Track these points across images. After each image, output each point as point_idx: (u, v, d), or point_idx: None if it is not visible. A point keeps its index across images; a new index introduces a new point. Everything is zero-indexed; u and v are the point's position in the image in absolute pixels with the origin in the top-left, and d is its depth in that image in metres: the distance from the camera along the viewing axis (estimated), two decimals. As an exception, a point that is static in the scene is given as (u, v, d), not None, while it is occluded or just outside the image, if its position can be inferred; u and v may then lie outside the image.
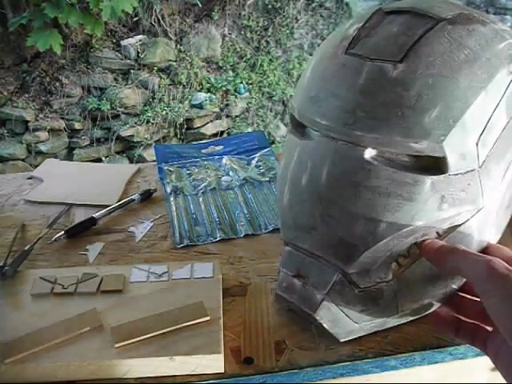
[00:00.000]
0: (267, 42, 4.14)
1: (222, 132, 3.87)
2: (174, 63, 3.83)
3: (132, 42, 3.75)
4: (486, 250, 0.44)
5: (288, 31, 4.16)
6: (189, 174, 0.78)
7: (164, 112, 3.71)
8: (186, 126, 3.77)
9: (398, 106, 0.38)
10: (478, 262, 0.38)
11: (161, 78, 3.78)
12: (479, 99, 0.39)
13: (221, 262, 0.55)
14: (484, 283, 0.37)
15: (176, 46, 3.88)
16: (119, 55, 3.74)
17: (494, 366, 0.40)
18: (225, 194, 0.73)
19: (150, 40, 3.82)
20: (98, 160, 3.58)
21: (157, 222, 0.67)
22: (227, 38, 4.03)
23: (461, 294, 0.44)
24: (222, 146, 0.86)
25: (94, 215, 0.65)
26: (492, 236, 0.45)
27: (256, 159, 0.81)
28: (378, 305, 0.44)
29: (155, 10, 3.78)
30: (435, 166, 0.40)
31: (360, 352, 0.45)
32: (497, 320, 0.36)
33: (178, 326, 0.45)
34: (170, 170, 0.78)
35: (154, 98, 3.76)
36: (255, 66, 4.07)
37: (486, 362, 0.46)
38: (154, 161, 0.83)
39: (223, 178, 0.76)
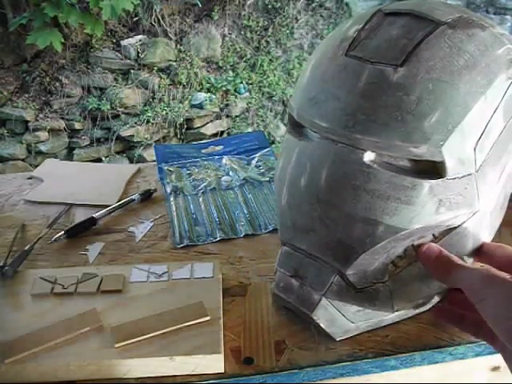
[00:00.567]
0: (267, 42, 4.14)
1: (222, 132, 3.87)
2: (174, 63, 3.83)
3: (132, 41, 3.75)
4: (486, 248, 0.45)
5: (288, 31, 4.16)
6: (189, 173, 0.78)
7: (164, 112, 3.71)
8: (186, 126, 3.77)
9: (398, 110, 0.39)
10: (473, 272, 0.39)
11: (161, 77, 3.78)
12: (478, 105, 0.39)
13: (221, 262, 0.55)
14: (479, 290, 0.38)
15: (176, 45, 3.88)
16: (119, 55, 3.74)
17: (495, 365, 0.40)
18: (225, 194, 0.73)
19: (150, 40, 3.82)
20: (98, 160, 3.58)
21: (157, 222, 0.67)
22: (227, 38, 4.03)
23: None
24: (221, 146, 0.86)
25: (94, 215, 0.65)
26: (486, 236, 0.46)
27: (256, 159, 0.81)
28: (374, 305, 0.44)
29: (155, 10, 3.78)
30: (433, 170, 0.40)
31: (360, 352, 0.45)
32: (493, 324, 0.36)
33: (178, 326, 0.45)
34: (170, 170, 0.78)
35: (154, 98, 3.76)
36: (255, 66, 4.07)
37: (486, 362, 0.46)
38: (153, 161, 0.83)
39: (223, 178, 0.76)
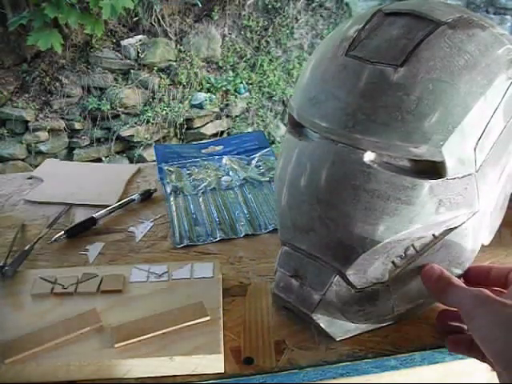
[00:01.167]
0: (267, 42, 4.13)
1: (222, 132, 3.87)
2: (174, 63, 3.83)
3: (132, 41, 3.75)
4: (477, 272, 0.46)
5: (288, 31, 4.16)
6: (189, 174, 0.78)
7: (164, 112, 3.71)
8: (186, 126, 3.77)
9: (398, 110, 0.39)
10: (466, 292, 0.39)
11: (161, 77, 3.78)
12: (478, 105, 0.39)
13: (221, 262, 0.55)
14: (470, 310, 0.38)
15: (176, 46, 3.88)
16: (119, 55, 3.74)
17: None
18: (225, 194, 0.73)
19: (150, 40, 3.82)
20: (98, 160, 3.57)
21: (157, 222, 0.67)
22: (227, 38, 4.03)
23: None
24: (222, 146, 0.86)
25: (93, 215, 0.65)
26: (486, 236, 0.46)
27: (256, 159, 0.81)
28: (375, 305, 0.44)
29: (155, 10, 3.78)
30: (433, 170, 0.40)
31: (360, 352, 0.45)
32: (482, 344, 0.36)
33: (177, 326, 0.45)
34: (170, 170, 0.78)
35: (154, 98, 3.76)
36: (255, 66, 4.07)
37: (485, 362, 0.46)
38: (153, 161, 0.83)
39: (223, 178, 0.76)
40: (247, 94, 3.99)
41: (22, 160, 3.48)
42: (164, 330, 0.45)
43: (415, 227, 0.41)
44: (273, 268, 0.49)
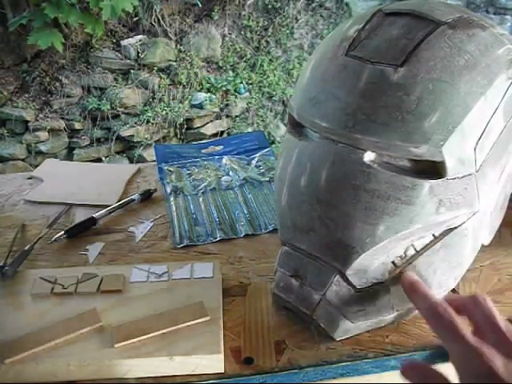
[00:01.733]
0: (267, 42, 4.13)
1: (222, 132, 3.87)
2: (174, 63, 3.83)
3: (132, 41, 3.75)
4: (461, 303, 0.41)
5: (288, 31, 4.16)
6: (189, 174, 0.78)
7: (164, 112, 3.70)
8: (186, 126, 3.77)
9: (398, 110, 0.39)
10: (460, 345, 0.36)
11: (161, 78, 3.78)
12: (478, 105, 0.39)
13: (221, 262, 0.55)
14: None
15: (176, 46, 3.88)
16: (119, 55, 3.74)
17: None
18: (225, 194, 0.73)
19: (150, 40, 3.82)
20: (98, 160, 3.57)
21: (157, 222, 0.67)
22: (227, 38, 4.03)
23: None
24: (222, 146, 0.86)
25: (93, 215, 0.65)
26: (486, 236, 0.46)
27: (256, 159, 0.81)
28: (374, 305, 0.44)
29: (155, 10, 3.78)
30: (434, 170, 0.40)
31: (360, 352, 0.45)
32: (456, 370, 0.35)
33: (177, 326, 0.45)
34: (170, 170, 0.78)
35: (154, 98, 3.75)
36: (255, 66, 4.07)
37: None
38: (153, 161, 0.83)
39: (223, 178, 0.76)
40: (247, 93, 3.99)
41: (22, 160, 3.48)
42: (164, 330, 0.45)
43: (415, 227, 0.41)
44: (273, 268, 0.49)
